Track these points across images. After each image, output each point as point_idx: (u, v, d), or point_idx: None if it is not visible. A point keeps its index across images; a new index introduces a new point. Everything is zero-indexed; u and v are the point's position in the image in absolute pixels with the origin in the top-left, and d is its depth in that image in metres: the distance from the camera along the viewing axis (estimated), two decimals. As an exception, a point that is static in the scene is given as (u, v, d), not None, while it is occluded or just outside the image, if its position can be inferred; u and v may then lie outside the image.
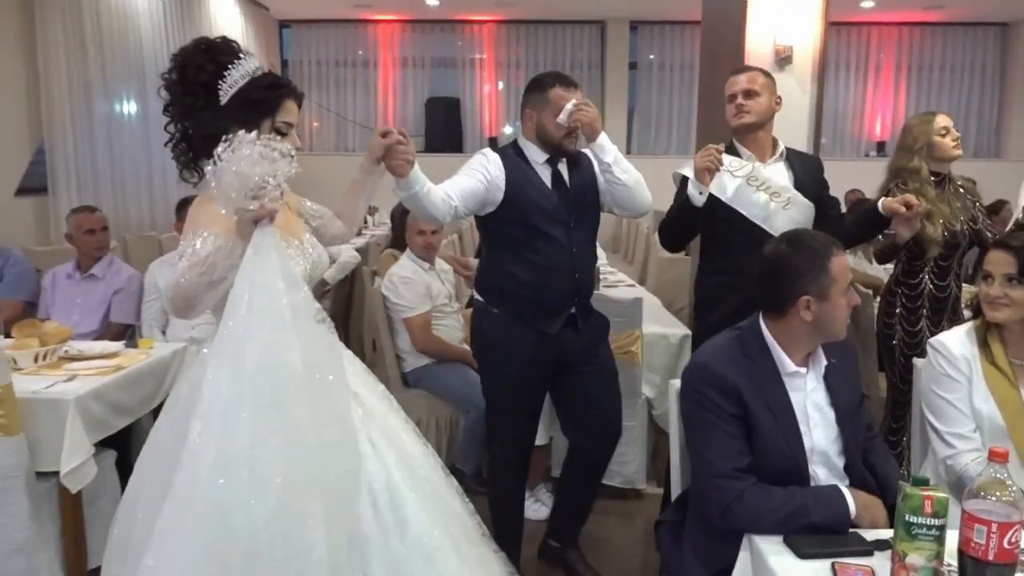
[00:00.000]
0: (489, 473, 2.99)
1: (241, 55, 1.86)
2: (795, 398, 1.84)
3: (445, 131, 9.66)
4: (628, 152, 9.84)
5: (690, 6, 4.24)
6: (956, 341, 2.11)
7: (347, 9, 9.29)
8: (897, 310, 3.01)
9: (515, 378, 2.66)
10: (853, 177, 6.55)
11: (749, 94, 2.64)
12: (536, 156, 2.62)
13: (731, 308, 2.60)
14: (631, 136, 10.14)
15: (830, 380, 1.88)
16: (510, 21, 9.82)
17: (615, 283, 4.74)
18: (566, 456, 2.91)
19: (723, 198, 2.58)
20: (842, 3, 8.73)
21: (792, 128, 3.48)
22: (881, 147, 9.89)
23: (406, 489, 1.78)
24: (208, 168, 1.63)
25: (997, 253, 2.04)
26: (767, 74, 2.69)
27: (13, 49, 5.03)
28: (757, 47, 3.41)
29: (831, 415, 1.86)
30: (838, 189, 6.81)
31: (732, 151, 2.70)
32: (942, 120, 2.89)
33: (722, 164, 2.54)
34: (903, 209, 2.53)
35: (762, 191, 2.60)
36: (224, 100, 1.83)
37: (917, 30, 9.77)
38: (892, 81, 9.94)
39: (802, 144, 3.48)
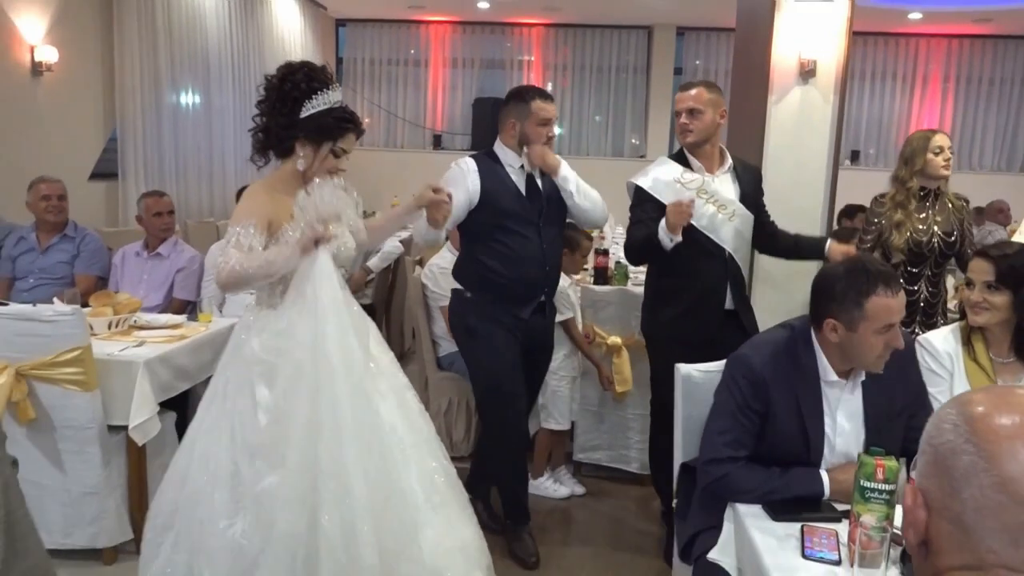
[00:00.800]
0: (488, 454, 3.17)
1: (330, 87, 2.26)
2: (828, 405, 1.92)
3: (492, 130, 9.89)
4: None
5: (735, 13, 4.40)
6: (940, 339, 2.28)
7: (401, 10, 9.59)
8: None
9: (498, 356, 2.87)
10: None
11: (693, 112, 2.76)
12: (512, 161, 2.86)
13: (682, 307, 2.83)
14: (673, 140, 10.26)
15: (869, 389, 1.94)
16: (558, 25, 10.02)
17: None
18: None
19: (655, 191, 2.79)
20: (890, 15, 8.75)
21: (815, 138, 3.64)
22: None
23: (405, 431, 2.19)
24: (299, 195, 2.19)
25: (978, 262, 2.20)
26: (713, 88, 2.80)
27: (93, 46, 5.42)
28: (782, 61, 3.57)
29: (860, 422, 1.93)
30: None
31: (683, 161, 2.85)
32: (939, 139, 3.03)
33: (692, 218, 2.69)
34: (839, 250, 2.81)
35: (710, 203, 2.77)
36: (303, 115, 2.22)
37: (966, 42, 9.71)
38: (939, 92, 9.89)
39: (823, 152, 3.64)
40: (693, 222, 2.72)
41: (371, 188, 7.52)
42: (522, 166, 2.87)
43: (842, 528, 1.70)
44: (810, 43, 3.54)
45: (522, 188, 2.86)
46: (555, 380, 3.55)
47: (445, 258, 3.92)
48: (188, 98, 6.52)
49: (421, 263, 4.36)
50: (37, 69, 4.82)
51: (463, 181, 2.78)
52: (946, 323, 2.97)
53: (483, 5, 9.11)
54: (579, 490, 3.65)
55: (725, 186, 2.85)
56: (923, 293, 3.11)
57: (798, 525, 1.72)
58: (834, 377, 1.91)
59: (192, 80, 6.54)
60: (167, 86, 6.11)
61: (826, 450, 1.93)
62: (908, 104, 9.94)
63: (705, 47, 10.09)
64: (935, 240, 3.05)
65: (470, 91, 10.28)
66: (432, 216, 2.47)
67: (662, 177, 2.82)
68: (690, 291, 2.82)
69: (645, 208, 2.81)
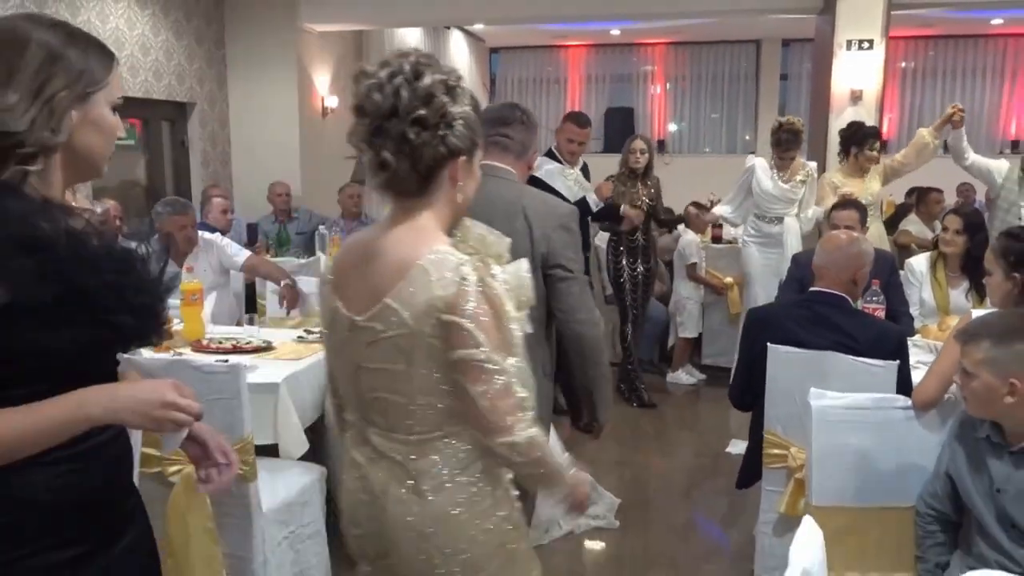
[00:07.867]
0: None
1: None
2: None
3: (621, 135, 11.74)
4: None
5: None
6: (916, 262, 3.79)
7: (546, 38, 11.58)
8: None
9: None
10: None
11: (582, 144, 4.59)
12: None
13: None
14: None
15: None
16: (678, 43, 11.75)
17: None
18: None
19: (545, 179, 4.28)
20: (975, 21, 10.07)
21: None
22: (1015, 145, 10.97)
23: None
24: None
25: (952, 217, 3.61)
26: (589, 126, 4.63)
27: (349, 91, 7.65)
28: (838, 88, 5.30)
29: None
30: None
31: (556, 159, 4.63)
32: (632, 144, 4.89)
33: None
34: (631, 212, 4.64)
35: (570, 180, 4.59)
36: None
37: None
38: (1026, 87, 11.02)
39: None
40: (560, 190, 4.31)
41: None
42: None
43: None
44: (858, 77, 5.25)
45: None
46: (690, 303, 5.46)
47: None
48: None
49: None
50: (325, 112, 7.07)
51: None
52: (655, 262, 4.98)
53: (615, 32, 10.98)
54: (702, 379, 5.50)
55: (582, 174, 4.80)
56: (640, 240, 4.89)
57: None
58: None
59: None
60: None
61: None
62: (998, 97, 11.11)
63: (810, 55, 11.56)
64: (641, 205, 4.77)
65: (603, 103, 12.16)
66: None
67: (548, 168, 4.56)
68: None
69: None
